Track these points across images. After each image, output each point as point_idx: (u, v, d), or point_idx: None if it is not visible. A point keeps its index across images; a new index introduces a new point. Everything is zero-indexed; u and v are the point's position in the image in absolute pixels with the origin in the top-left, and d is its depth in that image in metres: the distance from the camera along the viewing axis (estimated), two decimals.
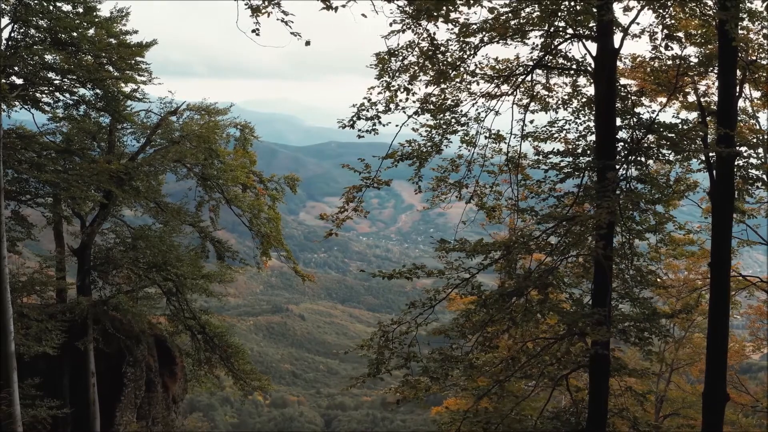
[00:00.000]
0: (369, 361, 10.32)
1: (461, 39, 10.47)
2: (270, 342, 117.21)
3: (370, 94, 10.59)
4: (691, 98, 13.17)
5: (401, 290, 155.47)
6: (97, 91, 18.17)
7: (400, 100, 10.75)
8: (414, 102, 10.99)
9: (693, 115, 13.44)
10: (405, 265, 11.04)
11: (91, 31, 17.68)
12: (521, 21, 10.79)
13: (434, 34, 9.90)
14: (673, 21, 11.20)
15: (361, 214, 10.82)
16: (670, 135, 11.26)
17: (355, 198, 10.68)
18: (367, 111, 10.62)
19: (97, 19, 17.64)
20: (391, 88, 10.68)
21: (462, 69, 11.01)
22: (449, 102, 11.41)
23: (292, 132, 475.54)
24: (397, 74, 10.61)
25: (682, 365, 24.44)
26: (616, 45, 10.89)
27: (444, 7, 8.87)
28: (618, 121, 11.60)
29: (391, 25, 9.62)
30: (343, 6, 8.08)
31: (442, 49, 10.33)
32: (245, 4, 9.00)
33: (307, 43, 8.94)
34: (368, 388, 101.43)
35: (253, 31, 8.68)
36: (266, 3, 8.74)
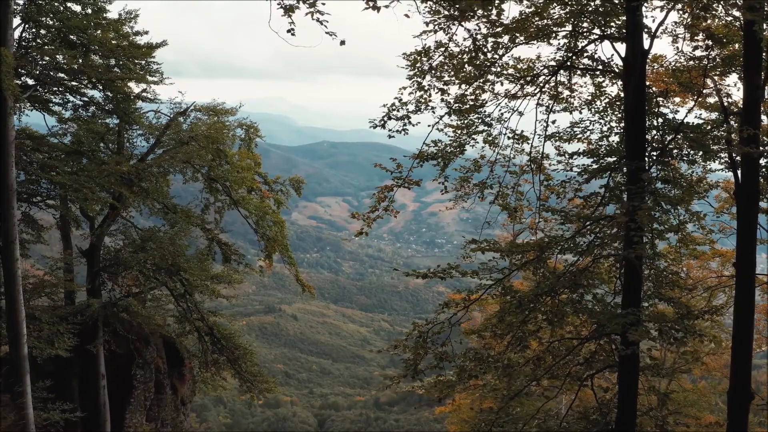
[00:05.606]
0: (405, 362, 10.34)
1: (490, 39, 10.46)
2: (263, 342, 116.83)
3: (401, 94, 10.62)
4: (711, 99, 13.19)
5: (394, 290, 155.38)
6: (108, 93, 18.04)
7: (431, 101, 10.76)
8: (444, 102, 10.99)
9: (710, 115, 13.47)
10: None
11: (99, 32, 17.54)
12: (547, 22, 10.79)
13: (476, 33, 9.90)
14: (697, 21, 11.23)
15: (391, 214, 10.84)
16: (694, 135, 11.30)
17: (386, 198, 10.70)
18: (398, 111, 10.63)
19: (105, 21, 17.52)
20: (423, 88, 10.67)
21: (493, 69, 11.02)
22: (476, 102, 11.40)
23: (284, 132, 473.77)
24: (428, 74, 10.60)
25: (687, 363, 24.53)
26: (645, 46, 10.88)
27: (495, 7, 8.83)
28: None
29: (427, 24, 9.62)
30: (386, 6, 8.07)
31: (484, 49, 10.32)
32: (278, 5, 8.98)
33: (342, 42, 8.90)
34: (361, 387, 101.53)
35: (289, 31, 8.65)
36: (299, 3, 8.73)
